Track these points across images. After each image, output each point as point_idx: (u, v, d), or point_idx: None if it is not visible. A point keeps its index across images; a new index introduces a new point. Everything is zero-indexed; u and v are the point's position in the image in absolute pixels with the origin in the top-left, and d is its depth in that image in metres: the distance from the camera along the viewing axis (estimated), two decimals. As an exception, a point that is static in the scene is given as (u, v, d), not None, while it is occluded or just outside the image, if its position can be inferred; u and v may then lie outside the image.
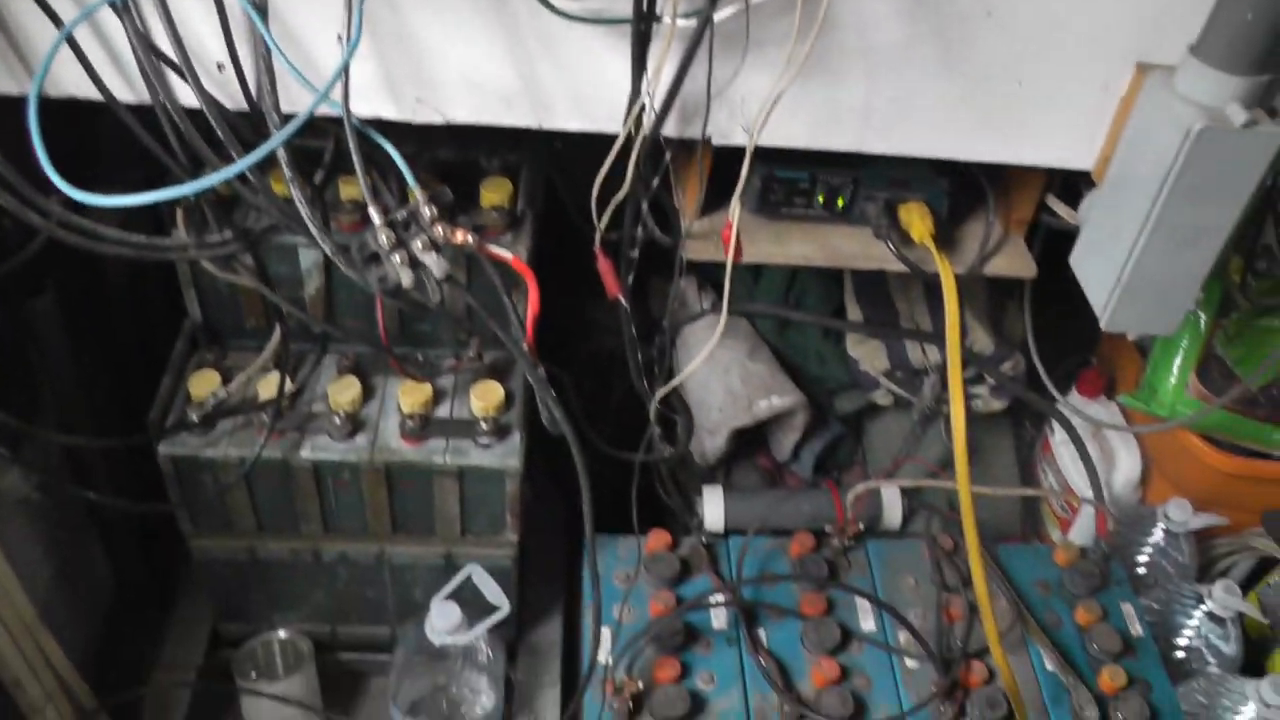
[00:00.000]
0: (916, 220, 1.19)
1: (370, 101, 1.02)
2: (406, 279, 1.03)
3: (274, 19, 0.94)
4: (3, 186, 0.99)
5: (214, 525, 1.35)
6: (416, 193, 1.01)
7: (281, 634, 1.46)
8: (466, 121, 1.04)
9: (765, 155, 1.08)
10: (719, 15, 0.92)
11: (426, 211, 1.02)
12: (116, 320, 1.46)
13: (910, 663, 1.31)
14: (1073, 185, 1.17)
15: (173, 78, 0.97)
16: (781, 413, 1.49)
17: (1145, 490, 1.55)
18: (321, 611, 1.47)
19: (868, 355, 1.48)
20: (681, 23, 0.92)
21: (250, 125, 0.99)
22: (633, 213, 1.11)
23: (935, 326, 1.44)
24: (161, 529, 1.40)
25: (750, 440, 1.57)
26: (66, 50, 0.96)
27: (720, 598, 1.35)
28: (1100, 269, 1.05)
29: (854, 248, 1.24)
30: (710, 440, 1.50)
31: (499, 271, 1.14)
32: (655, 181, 1.07)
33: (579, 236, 1.15)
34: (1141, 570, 1.47)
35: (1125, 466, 1.53)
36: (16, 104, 0.92)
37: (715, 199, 1.18)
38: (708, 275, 1.58)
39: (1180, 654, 1.39)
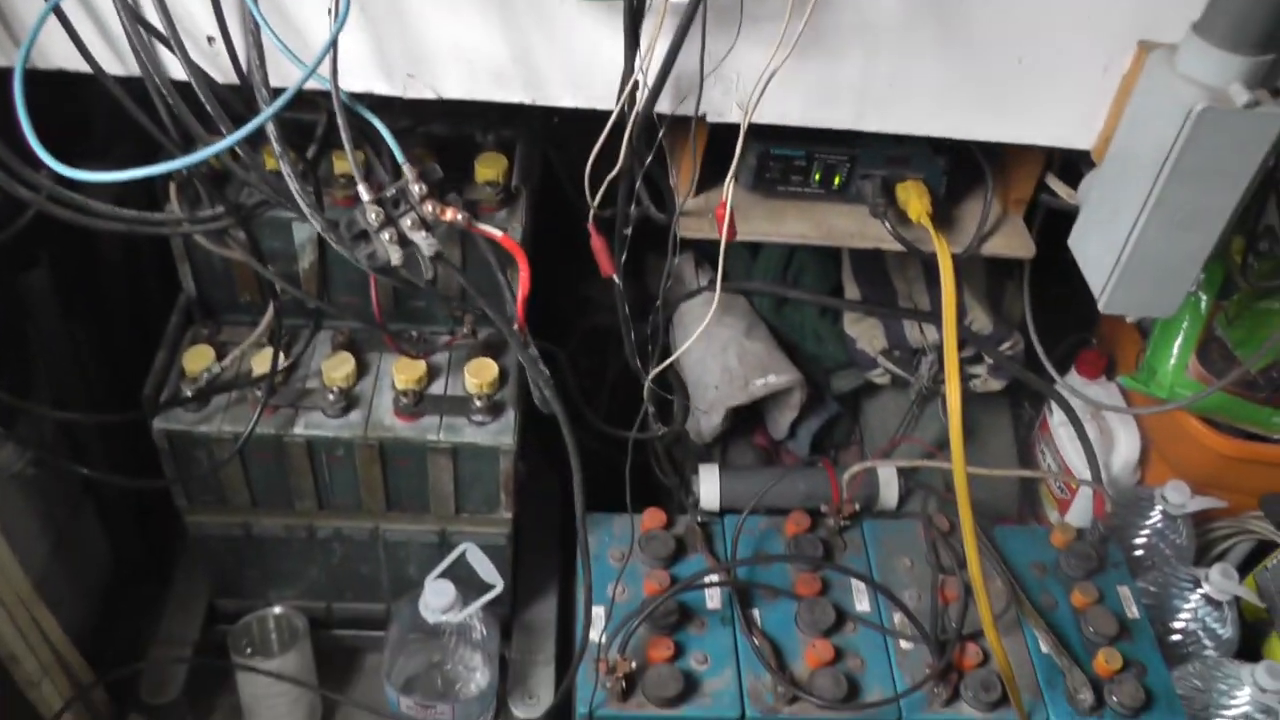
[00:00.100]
0: (914, 199, 1.18)
1: (361, 76, 1.01)
2: (396, 257, 1.02)
3: (264, -8, 0.93)
4: (-8, 160, 0.98)
5: (209, 501, 1.35)
6: (406, 170, 1.00)
7: (277, 610, 1.46)
8: (458, 97, 1.03)
9: (761, 132, 1.06)
10: (712, -11, 0.90)
11: (416, 189, 1.01)
12: (110, 294, 1.45)
13: (905, 644, 1.31)
14: (1073, 164, 1.15)
15: (163, 51, 0.96)
16: (778, 391, 1.48)
17: (1143, 472, 1.55)
18: (317, 588, 1.48)
19: (865, 334, 1.47)
20: (674, -3, 0.91)
21: (241, 99, 0.98)
22: (626, 190, 1.10)
23: (933, 306, 1.43)
24: (157, 505, 1.41)
25: (747, 418, 1.57)
26: (54, 22, 0.95)
27: (715, 578, 1.35)
28: (1099, 250, 1.04)
29: (850, 226, 1.22)
30: (706, 418, 1.49)
31: (493, 249, 1.14)
32: (649, 158, 1.06)
33: (575, 212, 1.14)
34: (1139, 553, 1.46)
35: (1124, 448, 1.52)
36: (3, 76, 0.91)
37: (712, 176, 1.16)
38: (705, 253, 1.57)
39: (1176, 637, 1.39)
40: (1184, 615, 1.39)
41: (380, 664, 1.42)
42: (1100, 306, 1.04)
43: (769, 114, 1.02)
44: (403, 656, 1.41)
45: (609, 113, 1.00)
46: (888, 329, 1.46)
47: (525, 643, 1.51)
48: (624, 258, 1.19)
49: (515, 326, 1.13)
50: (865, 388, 1.57)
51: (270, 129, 0.93)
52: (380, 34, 0.98)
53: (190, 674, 1.46)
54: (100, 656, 1.42)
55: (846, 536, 1.42)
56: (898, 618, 1.33)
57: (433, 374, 1.33)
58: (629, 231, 1.16)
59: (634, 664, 1.24)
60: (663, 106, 1.01)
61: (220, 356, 1.29)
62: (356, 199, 1.01)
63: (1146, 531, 1.46)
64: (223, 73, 0.98)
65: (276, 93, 0.90)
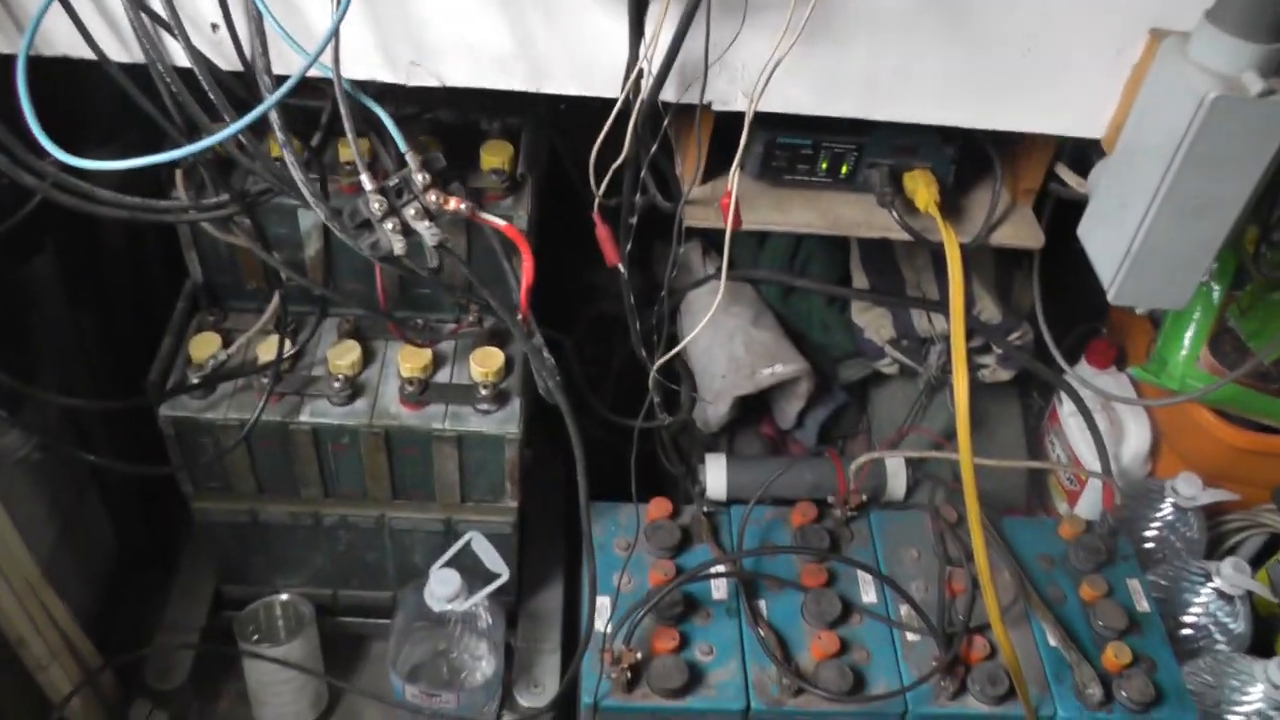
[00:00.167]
0: (922, 188, 1.16)
1: (365, 64, 1.00)
2: (399, 246, 1.02)
3: (268, -22, 0.93)
4: (-5, 147, 0.98)
5: (215, 488, 1.35)
6: (409, 159, 1.00)
7: (283, 597, 1.47)
8: (462, 85, 1.02)
9: (768, 121, 1.06)
10: (717, -23, 0.90)
11: (419, 178, 1.01)
12: (116, 281, 1.46)
13: (911, 636, 1.30)
14: (1083, 154, 1.14)
15: (167, 38, 0.96)
16: (785, 380, 1.48)
17: (1154, 464, 1.53)
18: (322, 575, 1.48)
19: (873, 323, 1.46)
20: (679, -15, 0.90)
21: (245, 87, 0.97)
22: (631, 179, 1.09)
23: (941, 295, 1.42)
24: (164, 491, 1.41)
25: (754, 408, 1.56)
26: (58, 8, 0.94)
27: (721, 568, 1.35)
28: (1109, 240, 1.03)
29: (857, 215, 1.21)
30: (713, 407, 1.49)
31: (498, 237, 1.13)
32: (654, 147, 1.05)
33: (582, 199, 1.13)
34: (1149, 545, 1.45)
35: (1134, 439, 1.51)
36: (8, 62, 0.90)
37: (718, 164, 1.15)
38: (713, 241, 1.56)
39: (1187, 632, 1.38)
40: (1195, 610, 1.38)
41: (386, 652, 1.42)
42: (1110, 298, 1.03)
43: (775, 102, 1.01)
44: (408, 644, 1.41)
45: (615, 101, 1.00)
46: (896, 318, 1.45)
47: (531, 631, 1.51)
48: (630, 246, 1.19)
49: (519, 316, 1.12)
50: (873, 377, 1.56)
51: (273, 117, 0.92)
52: (384, 21, 0.98)
53: (197, 660, 1.46)
54: (107, 642, 1.43)
55: (853, 527, 1.41)
56: (904, 610, 1.32)
57: (438, 362, 1.33)
58: (634, 221, 1.15)
59: (639, 654, 1.24)
60: (668, 95, 1.00)
61: (226, 344, 1.29)
62: (360, 188, 1.01)
63: (1157, 524, 1.45)
64: (227, 60, 0.98)
65: (280, 80, 0.90)
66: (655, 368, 1.29)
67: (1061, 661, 1.28)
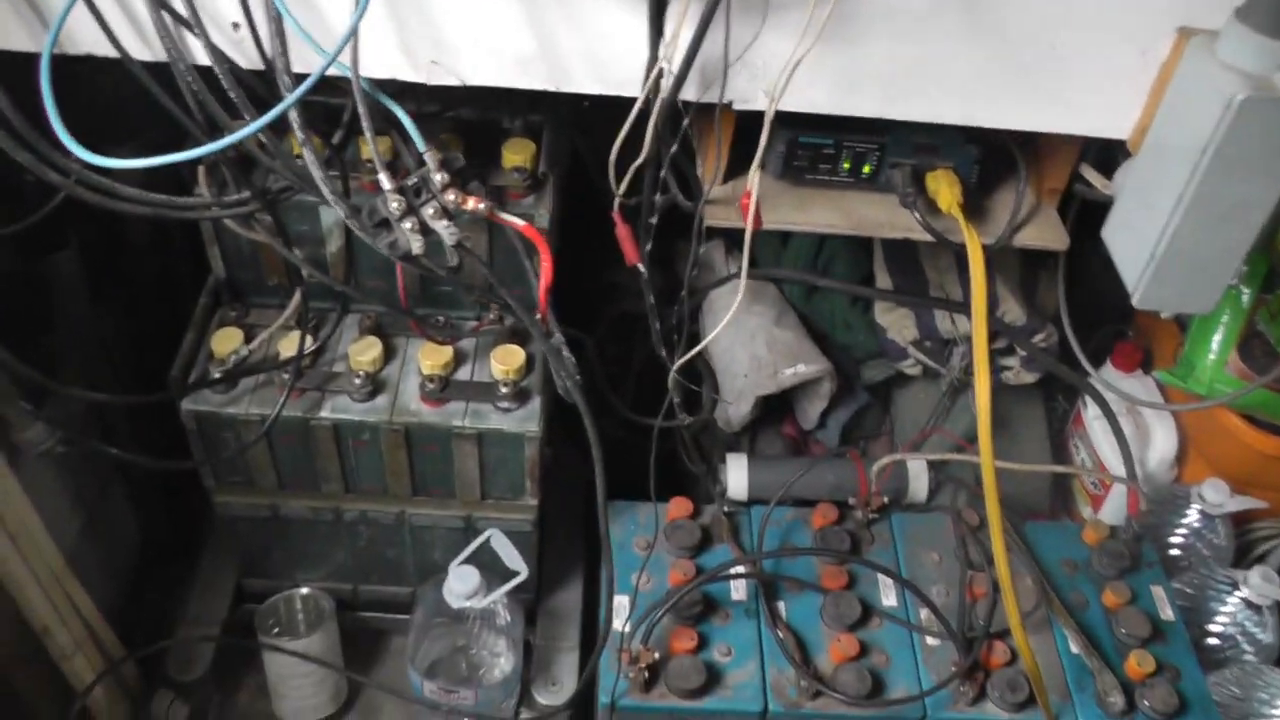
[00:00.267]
0: (944, 188, 1.15)
1: (385, 63, 1.00)
2: (417, 245, 1.02)
3: (289, -23, 0.93)
4: (22, 144, 0.99)
5: (236, 482, 1.36)
6: (427, 158, 1.00)
7: (303, 591, 1.48)
8: (482, 84, 1.02)
9: (790, 120, 1.05)
10: (736, -24, 0.89)
11: (438, 178, 1.01)
12: (138, 276, 1.47)
13: (931, 641, 1.29)
14: (1109, 154, 1.12)
15: (189, 36, 0.96)
16: (807, 380, 1.47)
17: (1181, 469, 1.51)
18: (343, 570, 1.48)
19: (896, 324, 1.45)
20: (699, -16, 0.89)
21: (265, 85, 0.98)
22: (651, 179, 1.09)
23: (965, 296, 1.41)
24: (187, 485, 1.42)
25: (776, 408, 1.55)
26: (82, 7, 0.95)
27: (740, 569, 1.34)
28: (1134, 243, 1.01)
29: (879, 216, 1.20)
30: (735, 407, 1.48)
31: (519, 236, 1.13)
32: (674, 146, 1.05)
33: (604, 198, 1.13)
34: (1174, 553, 1.43)
35: (1160, 444, 1.49)
36: (33, 61, 0.91)
37: (740, 163, 1.15)
38: (736, 240, 1.55)
39: (1213, 641, 1.35)
40: (1221, 619, 1.36)
41: (405, 647, 1.43)
42: (1134, 301, 1.01)
43: (796, 102, 1.01)
44: (427, 640, 1.42)
45: (635, 100, 0.99)
46: (919, 319, 1.44)
47: (550, 629, 1.51)
48: (651, 245, 1.18)
49: (536, 317, 1.12)
50: (896, 378, 1.55)
51: (293, 115, 0.92)
52: (404, 20, 0.98)
53: (218, 652, 1.47)
54: (130, 633, 1.44)
55: (874, 529, 1.40)
56: (924, 613, 1.31)
57: (459, 359, 1.33)
58: (654, 220, 1.15)
59: (657, 654, 1.24)
60: (688, 94, 1.00)
61: (248, 339, 1.30)
62: (379, 187, 1.01)
63: (1183, 531, 1.43)
64: (247, 58, 0.98)
65: (300, 78, 0.90)
66: (675, 367, 1.29)
67: (1083, 669, 1.26)
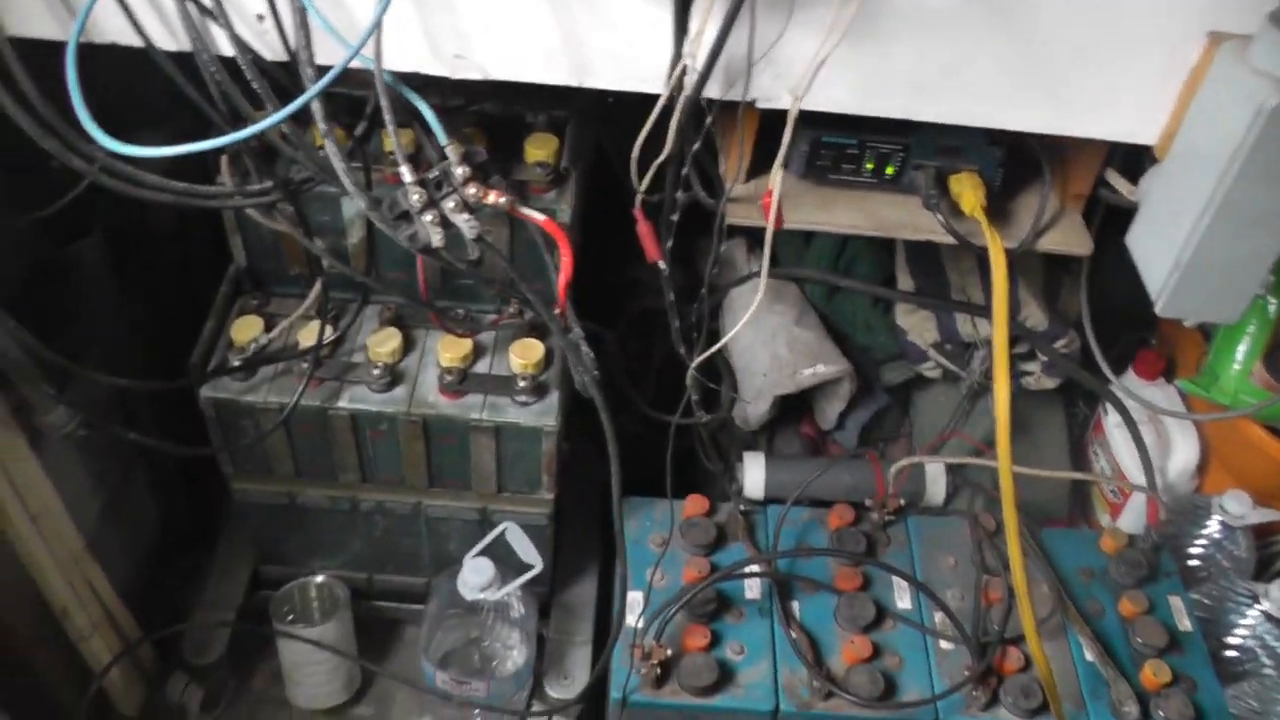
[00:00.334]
0: (968, 191, 1.15)
1: (409, 56, 1.00)
2: (437, 238, 1.02)
3: (314, -30, 0.93)
4: (48, 131, 1.00)
5: (254, 469, 1.36)
6: (449, 152, 1.00)
7: (319, 579, 1.48)
8: (506, 78, 1.02)
9: (813, 119, 1.04)
10: (762, -26, 0.89)
11: (458, 172, 1.01)
12: (161, 264, 1.48)
13: (945, 645, 1.29)
14: (1135, 159, 1.11)
15: (213, 27, 0.97)
16: (827, 381, 1.46)
17: (1202, 479, 1.49)
18: (359, 559, 1.49)
19: (917, 326, 1.44)
20: (724, -19, 0.89)
21: (289, 76, 0.98)
22: (674, 176, 1.09)
23: (986, 299, 1.39)
24: (206, 471, 1.43)
25: (794, 407, 1.55)
26: (109, -5, 0.96)
27: (755, 568, 1.34)
28: (1158, 250, 1.00)
29: (902, 217, 1.20)
30: (753, 406, 1.48)
31: (540, 231, 1.13)
32: (697, 144, 1.04)
33: (627, 194, 1.13)
34: (1194, 563, 1.41)
35: (1181, 454, 1.47)
36: (60, 49, 0.92)
37: (763, 162, 1.14)
38: (758, 239, 1.54)
39: (1232, 654, 1.34)
40: (1241, 631, 1.34)
41: (419, 637, 1.43)
42: (1158, 309, 1.00)
43: (820, 101, 1.00)
44: (441, 631, 1.42)
45: (659, 96, 0.99)
46: (940, 322, 1.43)
47: (563, 623, 1.51)
48: (671, 243, 1.18)
49: (554, 312, 1.12)
50: (916, 381, 1.54)
51: (315, 107, 0.93)
52: (428, 14, 0.98)
53: (233, 637, 1.48)
54: (147, 616, 1.45)
55: (890, 532, 1.40)
56: (939, 617, 1.31)
57: (478, 352, 1.33)
58: (676, 217, 1.15)
59: (669, 651, 1.24)
60: (711, 91, 0.99)
61: (268, 328, 1.30)
62: (400, 179, 1.01)
63: (1203, 541, 1.42)
64: (271, 49, 0.99)
65: (324, 70, 0.91)
66: (694, 365, 1.28)
67: (1098, 677, 1.25)
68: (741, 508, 1.41)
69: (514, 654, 1.42)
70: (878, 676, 1.23)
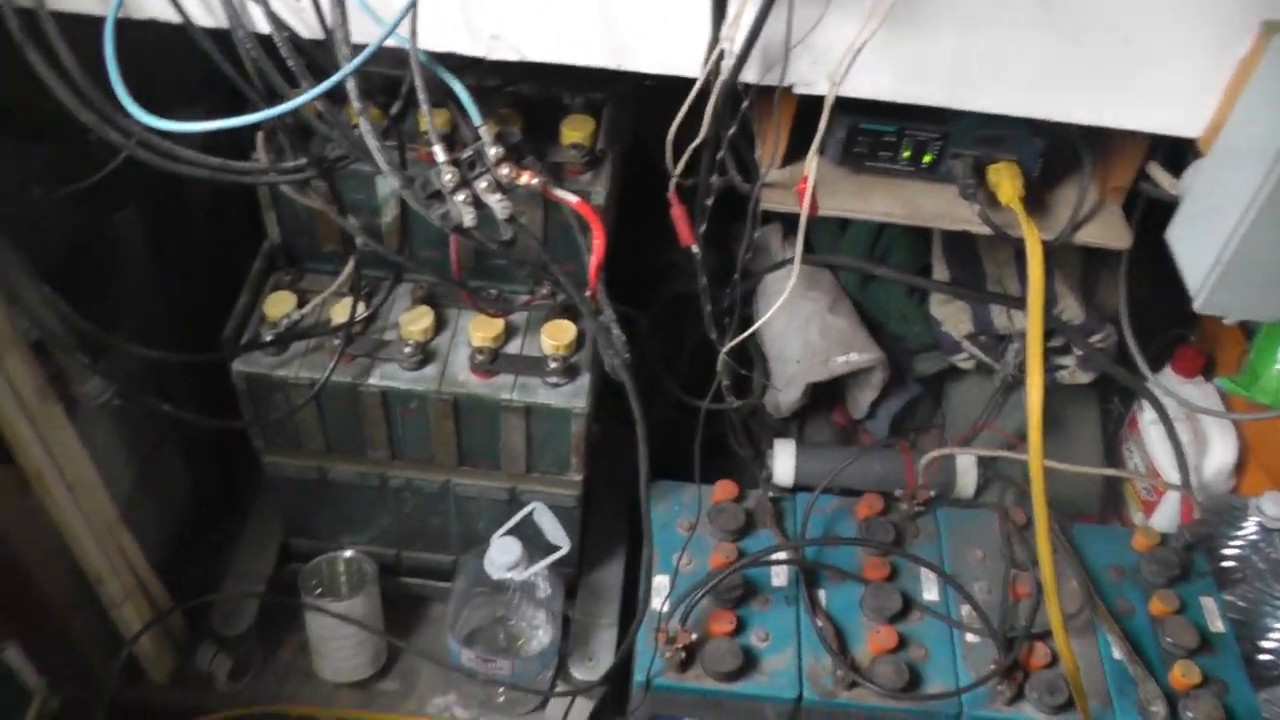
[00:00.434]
0: (1006, 181, 1.13)
1: (445, 36, 0.99)
2: (469, 218, 1.02)
3: (352, -51, 0.93)
4: (86, 104, 1.00)
5: (285, 443, 1.38)
6: (482, 132, 1.00)
7: (347, 554, 1.49)
8: (542, 60, 1.01)
9: (851, 106, 1.03)
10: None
11: (492, 152, 1.00)
12: (197, 237, 1.49)
13: (971, 638, 1.28)
14: (1178, 152, 1.09)
15: (251, 4, 0.97)
16: (859, 369, 1.45)
17: (1239, 480, 1.47)
18: (387, 535, 1.50)
19: (951, 317, 1.43)
20: (763, -35, 0.88)
21: (325, 54, 0.98)
22: (709, 161, 1.08)
23: (1022, 291, 1.38)
24: (238, 444, 1.44)
25: (826, 395, 1.54)
26: (149, -28, 0.96)
27: (783, 555, 1.34)
28: (1199, 246, 0.98)
29: (939, 206, 1.18)
30: (785, 392, 1.47)
31: (574, 212, 1.13)
32: (733, 128, 1.03)
33: (663, 177, 1.12)
34: (1229, 565, 1.39)
35: (1219, 453, 1.45)
36: (101, 23, 0.92)
37: (799, 148, 1.13)
38: (794, 225, 1.53)
39: (1266, 658, 1.32)
40: (1276, 635, 1.32)
41: (445, 614, 1.44)
42: (1196, 306, 0.98)
43: (858, 87, 0.98)
44: (467, 609, 1.43)
45: (695, 80, 0.98)
46: (975, 313, 1.41)
47: (589, 604, 1.51)
48: (705, 227, 1.17)
49: (585, 294, 1.12)
50: (949, 372, 1.53)
51: (350, 85, 0.92)
52: (465, -7, 0.97)
53: (262, 609, 1.50)
54: (178, 586, 1.47)
55: (919, 523, 1.39)
56: (965, 610, 1.30)
57: (510, 333, 1.33)
58: (710, 202, 1.14)
59: (694, 636, 1.24)
60: (748, 76, 0.98)
61: (301, 303, 1.31)
62: (433, 159, 1.01)
63: (1239, 543, 1.39)
64: (308, 27, 0.98)
65: (359, 49, 0.90)
66: (725, 350, 1.28)
67: (1125, 676, 1.24)
68: (770, 494, 1.41)
69: (539, 634, 1.43)
70: (903, 667, 1.23)
